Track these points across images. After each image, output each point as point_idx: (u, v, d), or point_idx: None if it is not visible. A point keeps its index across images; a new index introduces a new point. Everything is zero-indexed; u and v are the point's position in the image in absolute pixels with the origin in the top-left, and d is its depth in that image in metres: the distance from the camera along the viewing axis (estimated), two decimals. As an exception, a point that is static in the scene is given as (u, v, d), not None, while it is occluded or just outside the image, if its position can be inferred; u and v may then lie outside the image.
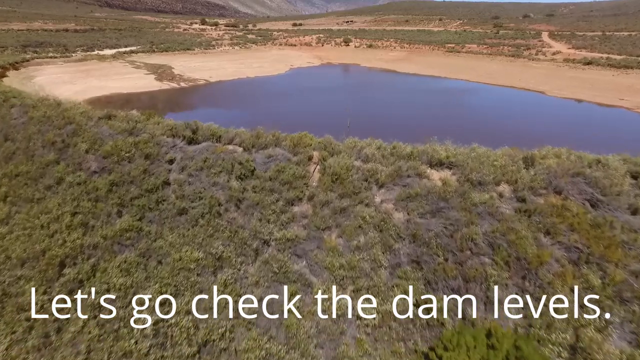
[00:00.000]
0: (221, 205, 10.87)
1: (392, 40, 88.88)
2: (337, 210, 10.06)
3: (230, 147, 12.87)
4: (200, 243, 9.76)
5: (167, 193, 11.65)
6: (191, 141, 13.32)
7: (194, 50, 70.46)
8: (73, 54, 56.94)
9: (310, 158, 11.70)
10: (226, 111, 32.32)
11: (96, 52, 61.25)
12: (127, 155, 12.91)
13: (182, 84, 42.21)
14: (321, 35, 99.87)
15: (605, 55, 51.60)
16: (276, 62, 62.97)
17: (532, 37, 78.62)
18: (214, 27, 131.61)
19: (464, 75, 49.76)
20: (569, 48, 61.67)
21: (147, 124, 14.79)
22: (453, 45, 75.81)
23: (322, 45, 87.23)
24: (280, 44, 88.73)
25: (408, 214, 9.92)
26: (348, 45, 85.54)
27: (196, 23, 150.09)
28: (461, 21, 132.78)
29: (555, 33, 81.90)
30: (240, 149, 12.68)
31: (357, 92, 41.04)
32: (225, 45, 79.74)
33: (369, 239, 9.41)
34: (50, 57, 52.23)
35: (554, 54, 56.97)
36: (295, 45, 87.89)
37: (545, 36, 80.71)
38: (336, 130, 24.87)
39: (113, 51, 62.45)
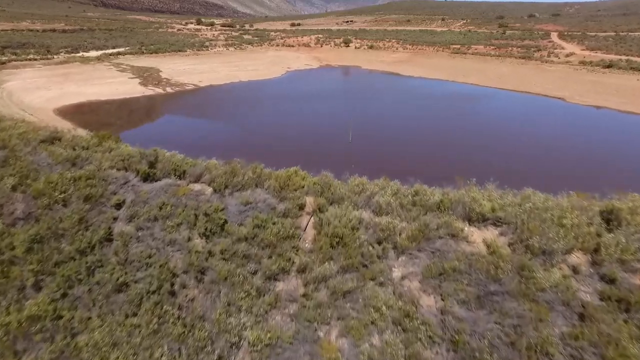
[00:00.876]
0: (176, 277, 7.88)
1: (394, 40, 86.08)
2: (339, 293, 7.04)
3: (197, 186, 9.87)
4: (138, 345, 6.71)
5: (106, 255, 8.64)
6: (147, 177, 10.33)
7: (186, 51, 67.53)
8: (55, 56, 53.97)
9: (302, 207, 8.70)
10: (209, 123, 29.01)
11: (81, 53, 58.25)
12: (61, 196, 9.93)
13: (168, 90, 39.19)
14: (320, 36, 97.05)
15: (624, 57, 48.74)
16: (272, 64, 60.03)
17: (540, 38, 75.83)
18: (209, 27, 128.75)
19: (473, 78, 46.82)
20: (583, 49, 58.82)
21: (95, 151, 11.82)
22: (458, 46, 72.96)
23: (321, 46, 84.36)
24: (278, 45, 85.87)
25: (442, 300, 6.91)
26: (348, 46, 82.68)
27: (191, 23, 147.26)
28: (464, 21, 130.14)
29: (565, 33, 79.14)
30: (210, 190, 9.67)
31: (359, 99, 37.76)
32: (219, 46, 76.83)
33: (385, 344, 6.38)
34: (30, 59, 49.26)
35: (567, 55, 54.10)
36: (293, 46, 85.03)
37: (554, 36, 77.94)
38: (336, 146, 22.22)
39: (99, 53, 59.49)
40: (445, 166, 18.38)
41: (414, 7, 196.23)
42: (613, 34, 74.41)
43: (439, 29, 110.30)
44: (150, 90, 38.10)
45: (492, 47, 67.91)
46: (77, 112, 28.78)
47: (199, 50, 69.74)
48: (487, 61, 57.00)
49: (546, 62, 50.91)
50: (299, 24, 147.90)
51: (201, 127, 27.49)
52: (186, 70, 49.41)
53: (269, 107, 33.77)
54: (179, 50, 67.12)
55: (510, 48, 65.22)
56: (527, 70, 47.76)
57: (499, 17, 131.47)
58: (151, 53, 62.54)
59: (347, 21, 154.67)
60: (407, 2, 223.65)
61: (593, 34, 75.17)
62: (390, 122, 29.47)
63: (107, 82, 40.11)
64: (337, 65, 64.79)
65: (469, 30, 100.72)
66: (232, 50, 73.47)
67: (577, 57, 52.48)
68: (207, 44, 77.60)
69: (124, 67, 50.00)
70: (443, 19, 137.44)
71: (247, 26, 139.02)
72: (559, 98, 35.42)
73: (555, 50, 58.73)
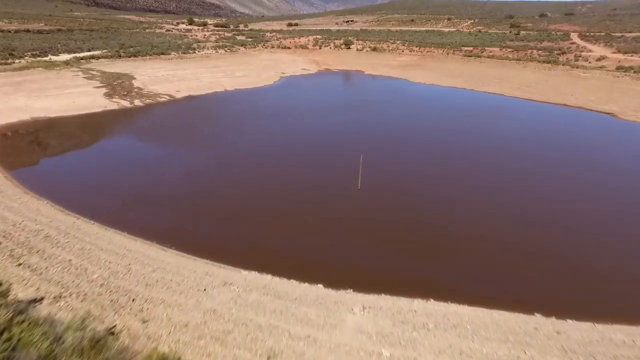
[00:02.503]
0: None
1: (398, 42, 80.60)
2: None
3: None
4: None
5: None
6: None
7: (170, 54, 61.82)
8: (18, 60, 48.17)
9: None
10: (166, 154, 21.68)
11: (49, 57, 52.50)
12: None
13: (137, 102, 33.43)
14: (319, 37, 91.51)
15: (669, 63, 43.20)
16: (265, 69, 54.37)
17: (560, 39, 70.34)
18: (201, 28, 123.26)
19: (495, 87, 41.18)
20: (614, 52, 53.29)
21: None
22: (470, 48, 67.46)
23: (320, 48, 78.80)
24: (273, 47, 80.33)
25: None
26: (349, 48, 77.11)
27: (183, 23, 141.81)
28: (472, 21, 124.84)
29: (587, 34, 73.73)
30: None
31: (365, 115, 31.31)
32: (208, 49, 71.17)
33: None
34: (-17, 65, 43.49)
35: (598, 59, 48.53)
36: (289, 48, 79.50)
37: (575, 37, 72.49)
38: (338, 198, 15.55)
39: (70, 56, 53.77)
40: (500, 248, 12.59)
41: (417, 6, 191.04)
42: (640, 34, 69.12)
43: (446, 30, 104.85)
44: (114, 104, 32.34)
45: (509, 50, 62.33)
46: (1, 136, 23.00)
47: (184, 53, 64.03)
48: (506, 66, 51.37)
49: (577, 68, 45.30)
50: (296, 24, 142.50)
51: (152, 161, 20.66)
52: (164, 78, 43.67)
53: (251, 129, 26.76)
54: (162, 54, 61.39)
55: (529, 50, 59.67)
56: (557, 77, 42.10)
57: (508, 17, 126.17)
58: (129, 56, 56.83)
59: (348, 21, 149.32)
60: (410, 0, 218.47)
61: (618, 34, 69.79)
62: (407, 147, 23.39)
63: (66, 92, 34.37)
64: (337, 69, 59.16)
65: (479, 31, 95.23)
66: (222, 53, 67.80)
67: (610, 61, 46.91)
68: (194, 45, 71.93)
69: (94, 73, 44.27)
70: (449, 19, 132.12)
71: (241, 26, 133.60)
72: (608, 113, 29.75)
73: (583, 54, 53.16)
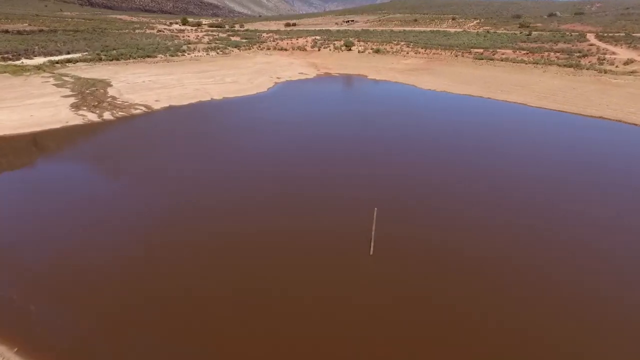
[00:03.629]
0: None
1: (402, 43, 76.55)
2: None
3: None
4: None
5: None
6: None
7: (156, 57, 57.67)
8: (-16, 65, 44.00)
9: None
10: (111, 196, 16.62)
11: (21, 61, 48.39)
12: None
13: (107, 116, 29.25)
14: (318, 37, 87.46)
15: None
16: (258, 73, 50.25)
17: (577, 40, 66.28)
18: (195, 28, 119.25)
19: (517, 95, 37.07)
20: (642, 55, 49.27)
21: None
22: (481, 50, 63.32)
23: (319, 50, 74.70)
24: (268, 48, 76.23)
25: None
26: (350, 49, 73.01)
27: (177, 23, 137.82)
28: (478, 20, 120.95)
29: (604, 35, 69.70)
30: None
31: (374, 134, 26.60)
32: (199, 51, 67.05)
33: None
34: (-58, 71, 39.34)
35: (626, 63, 44.46)
36: (286, 50, 75.40)
37: (592, 38, 68.45)
38: (343, 270, 10.22)
39: (44, 60, 49.62)
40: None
41: (419, 5, 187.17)
42: (663, 35, 65.13)
43: (452, 30, 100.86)
44: (79, 117, 28.14)
45: (523, 52, 58.22)
46: None
47: (172, 55, 59.87)
48: (524, 70, 47.24)
49: (604, 73, 41.16)
50: (294, 24, 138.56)
51: (98, 203, 15.83)
52: (144, 85, 39.47)
53: (234, 152, 22.07)
54: (148, 56, 57.22)
55: (546, 53, 55.57)
56: (585, 84, 37.95)
57: (516, 16, 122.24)
58: (111, 60, 52.65)
59: (348, 21, 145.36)
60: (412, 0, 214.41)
61: (639, 35, 65.78)
62: (438, 197, 17.00)
63: (25, 103, 30.17)
64: (338, 74, 55.05)
65: (487, 31, 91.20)
66: (213, 56, 63.64)
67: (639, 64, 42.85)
68: (184, 47, 67.78)
69: (67, 79, 40.09)
70: (454, 18, 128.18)
71: (237, 26, 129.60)
72: (657, 129, 25.65)
73: (607, 56, 49.06)
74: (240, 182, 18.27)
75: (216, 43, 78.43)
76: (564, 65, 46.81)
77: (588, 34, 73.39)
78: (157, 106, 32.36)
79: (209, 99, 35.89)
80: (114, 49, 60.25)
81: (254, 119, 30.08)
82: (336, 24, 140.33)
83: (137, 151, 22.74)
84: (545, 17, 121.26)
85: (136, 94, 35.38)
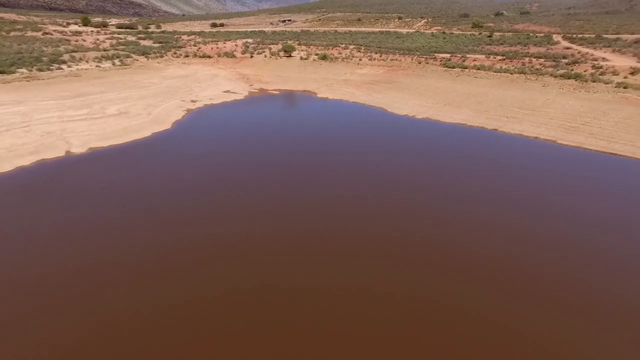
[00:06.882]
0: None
1: (352, 47, 66.28)
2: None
3: None
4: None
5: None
6: None
7: (14, 73, 41.46)
8: None
9: None
10: None
11: None
12: None
13: None
14: (250, 41, 74.55)
15: None
16: (165, 95, 36.58)
17: (547, 43, 60.32)
18: (97, 30, 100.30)
19: (529, 124, 27.62)
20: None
21: None
22: (447, 55, 54.74)
23: (251, 57, 61.98)
24: (187, 56, 62.01)
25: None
26: (290, 55, 61.15)
27: (76, 24, 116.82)
28: (425, 20, 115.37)
29: (572, 36, 64.77)
30: None
31: (340, 225, 15.78)
32: (87, 61, 51.35)
33: None
34: None
35: (632, 73, 37.38)
36: (209, 57, 61.71)
37: (561, 40, 63.10)
38: None
39: None
40: None
41: (359, 3, 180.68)
42: (633, 37, 61.07)
43: (403, 31, 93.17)
44: None
45: (498, 58, 50.32)
46: None
47: (41, 70, 43.88)
48: (516, 83, 38.51)
49: (623, 88, 33.28)
50: (222, 24, 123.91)
51: None
52: (-47, 128, 24.33)
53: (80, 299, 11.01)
54: (1, 72, 40.85)
55: (526, 59, 48.00)
56: (612, 105, 29.38)
57: (464, 15, 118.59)
58: None
59: (285, 20, 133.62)
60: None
61: (613, 36, 61.45)
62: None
63: None
64: (276, 90, 42.91)
65: (444, 32, 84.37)
66: (105, 68, 48.48)
67: (649, 75, 35.84)
68: (66, 57, 51.45)
69: None
70: (400, 18, 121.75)
71: (153, 27, 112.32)
72: None
73: (601, 64, 42.07)
74: None
75: (117, 50, 62.32)
76: (560, 76, 38.79)
77: (555, 36, 68.37)
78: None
79: (62, 154, 21.86)
80: (-54, 63, 42.74)
81: (138, 197, 16.91)
82: (271, 24, 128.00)
83: None
84: (493, 16, 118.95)
85: None
